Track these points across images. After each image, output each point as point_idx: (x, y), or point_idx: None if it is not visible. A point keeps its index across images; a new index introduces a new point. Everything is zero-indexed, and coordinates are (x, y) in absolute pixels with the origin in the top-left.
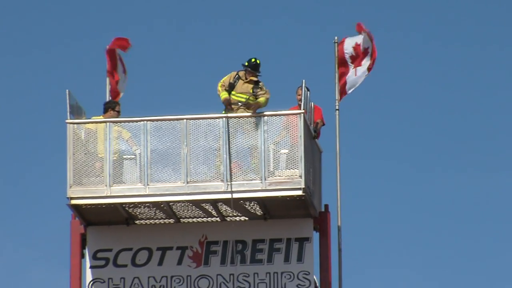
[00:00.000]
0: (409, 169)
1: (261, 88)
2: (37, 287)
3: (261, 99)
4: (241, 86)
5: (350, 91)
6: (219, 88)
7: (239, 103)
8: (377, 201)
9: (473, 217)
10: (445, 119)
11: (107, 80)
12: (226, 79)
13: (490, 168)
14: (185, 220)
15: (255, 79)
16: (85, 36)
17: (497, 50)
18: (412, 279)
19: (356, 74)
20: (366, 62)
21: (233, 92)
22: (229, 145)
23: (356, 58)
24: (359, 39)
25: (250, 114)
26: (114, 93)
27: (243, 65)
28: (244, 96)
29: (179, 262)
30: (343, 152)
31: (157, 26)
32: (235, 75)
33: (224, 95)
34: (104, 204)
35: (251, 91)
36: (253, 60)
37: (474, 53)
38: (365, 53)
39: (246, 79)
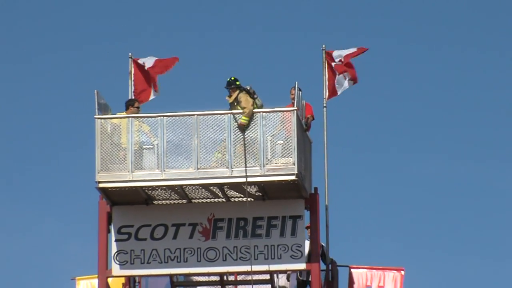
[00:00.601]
0: (387, 156)
1: (239, 106)
2: (70, 257)
3: (242, 120)
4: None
5: (339, 93)
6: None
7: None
8: (359, 184)
9: (445, 195)
10: (419, 112)
11: (129, 81)
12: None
13: (458, 152)
14: (196, 201)
15: (233, 96)
16: (109, 41)
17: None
18: (391, 249)
19: (345, 79)
20: (348, 74)
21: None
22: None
23: (342, 67)
24: (347, 52)
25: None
26: (138, 96)
27: (224, 87)
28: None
29: (191, 236)
30: (330, 143)
31: (166, 35)
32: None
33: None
34: (127, 187)
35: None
36: (229, 78)
37: (447, 51)
38: (348, 65)
39: (230, 96)
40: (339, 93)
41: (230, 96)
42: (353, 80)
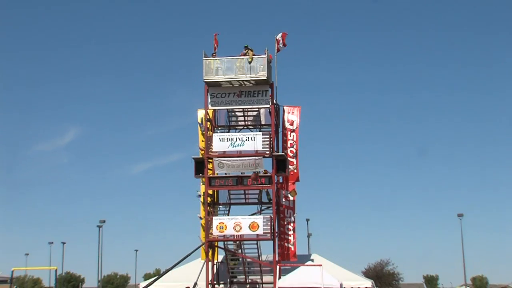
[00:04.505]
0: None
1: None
2: (190, 109)
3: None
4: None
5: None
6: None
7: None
8: (298, 79)
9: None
10: None
11: (213, 48)
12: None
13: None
14: (235, 84)
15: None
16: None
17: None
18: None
19: (279, 45)
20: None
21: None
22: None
23: (278, 41)
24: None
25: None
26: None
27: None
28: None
29: (233, 96)
30: (277, 66)
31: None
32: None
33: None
34: (212, 82)
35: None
36: (245, 45)
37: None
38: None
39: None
40: (281, 50)
41: (246, 51)
42: (284, 46)
